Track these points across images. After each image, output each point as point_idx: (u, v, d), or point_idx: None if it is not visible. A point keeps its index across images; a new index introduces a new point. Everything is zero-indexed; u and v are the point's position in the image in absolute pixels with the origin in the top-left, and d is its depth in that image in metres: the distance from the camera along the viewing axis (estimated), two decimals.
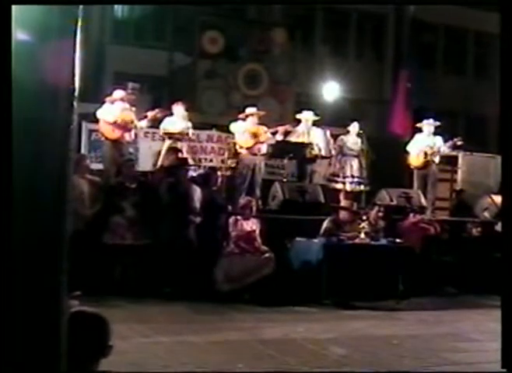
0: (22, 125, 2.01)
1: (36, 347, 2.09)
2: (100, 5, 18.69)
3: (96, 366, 2.68)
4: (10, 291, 2.03)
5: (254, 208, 10.61)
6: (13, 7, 1.98)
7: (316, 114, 13.29)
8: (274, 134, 12.54)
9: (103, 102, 11.56)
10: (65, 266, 2.19)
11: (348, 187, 13.07)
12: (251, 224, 10.27)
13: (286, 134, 12.81)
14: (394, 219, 11.93)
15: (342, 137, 13.27)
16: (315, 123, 13.14)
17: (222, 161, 13.47)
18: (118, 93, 11.65)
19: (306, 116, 13.10)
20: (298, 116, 13.39)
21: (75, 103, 2.12)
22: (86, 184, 10.05)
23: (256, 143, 12.21)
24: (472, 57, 27.20)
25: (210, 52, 20.93)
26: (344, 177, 13.08)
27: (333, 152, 13.12)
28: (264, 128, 12.39)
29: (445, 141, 13.60)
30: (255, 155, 12.31)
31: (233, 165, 12.65)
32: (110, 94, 11.70)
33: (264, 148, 12.47)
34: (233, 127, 12.45)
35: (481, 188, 14.90)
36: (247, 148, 12.21)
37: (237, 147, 12.47)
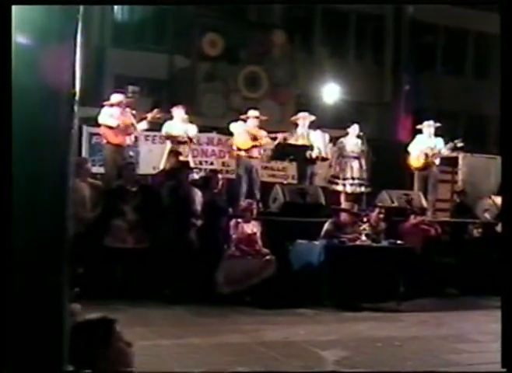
0: (22, 129, 2.01)
1: (39, 349, 2.09)
2: (99, 5, 18.68)
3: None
4: (11, 295, 2.02)
5: (255, 211, 10.61)
6: (14, 10, 1.98)
7: (313, 114, 13.19)
8: (273, 139, 12.52)
9: (102, 106, 11.56)
10: (66, 270, 2.19)
11: (348, 189, 13.02)
12: (252, 227, 10.27)
13: (285, 138, 12.76)
14: (394, 221, 11.92)
15: (342, 139, 13.24)
16: (314, 125, 13.06)
17: (223, 163, 13.46)
18: (116, 97, 11.64)
19: (303, 116, 13.01)
20: (294, 118, 13.21)
21: (75, 108, 2.12)
22: (87, 188, 10.05)
23: (254, 146, 12.20)
24: (472, 57, 27.22)
25: (210, 55, 20.97)
26: (344, 179, 13.04)
27: (329, 156, 13.07)
28: (264, 132, 12.37)
29: (445, 142, 13.60)
30: (251, 157, 12.28)
31: (232, 167, 12.57)
32: (109, 98, 11.71)
33: (261, 152, 12.43)
34: (232, 126, 12.42)
35: (481, 189, 14.90)
36: (245, 150, 12.19)
37: (234, 148, 12.44)
